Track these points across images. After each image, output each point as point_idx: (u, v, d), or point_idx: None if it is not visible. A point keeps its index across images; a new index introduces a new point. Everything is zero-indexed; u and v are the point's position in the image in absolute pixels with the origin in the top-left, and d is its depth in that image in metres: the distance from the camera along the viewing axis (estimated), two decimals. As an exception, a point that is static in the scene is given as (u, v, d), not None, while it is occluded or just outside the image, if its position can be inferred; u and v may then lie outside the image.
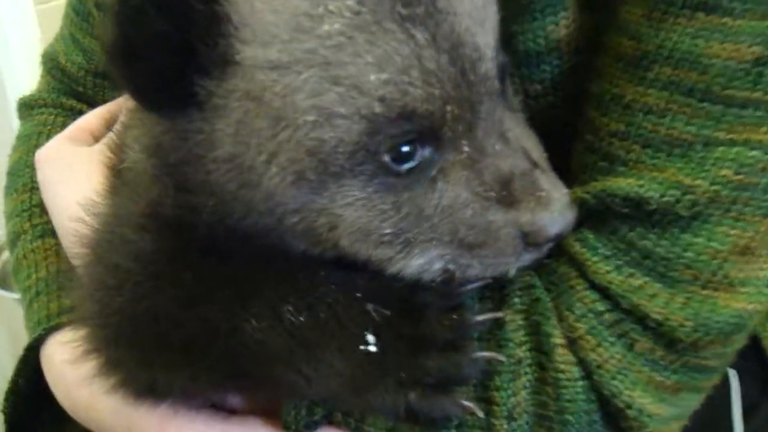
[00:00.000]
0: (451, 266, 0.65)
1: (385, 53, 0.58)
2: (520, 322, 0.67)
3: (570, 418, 0.65)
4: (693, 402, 0.70)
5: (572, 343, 0.65)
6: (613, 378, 0.65)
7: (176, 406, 0.71)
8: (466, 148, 0.63)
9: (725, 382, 0.92)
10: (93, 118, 0.94)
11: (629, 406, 0.65)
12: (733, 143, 0.64)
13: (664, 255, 0.65)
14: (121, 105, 0.88)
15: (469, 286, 0.66)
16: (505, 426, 0.65)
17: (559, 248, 0.68)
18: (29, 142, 1.04)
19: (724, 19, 0.63)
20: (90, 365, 0.71)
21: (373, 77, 0.58)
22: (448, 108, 0.61)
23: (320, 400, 0.66)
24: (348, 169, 0.60)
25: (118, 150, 0.80)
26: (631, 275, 0.65)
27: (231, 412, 0.72)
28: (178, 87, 0.61)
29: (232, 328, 0.63)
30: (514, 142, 0.65)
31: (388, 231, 0.63)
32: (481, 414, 0.64)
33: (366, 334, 0.63)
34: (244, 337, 0.63)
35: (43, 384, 0.85)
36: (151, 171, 0.68)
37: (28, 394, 0.89)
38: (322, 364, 0.63)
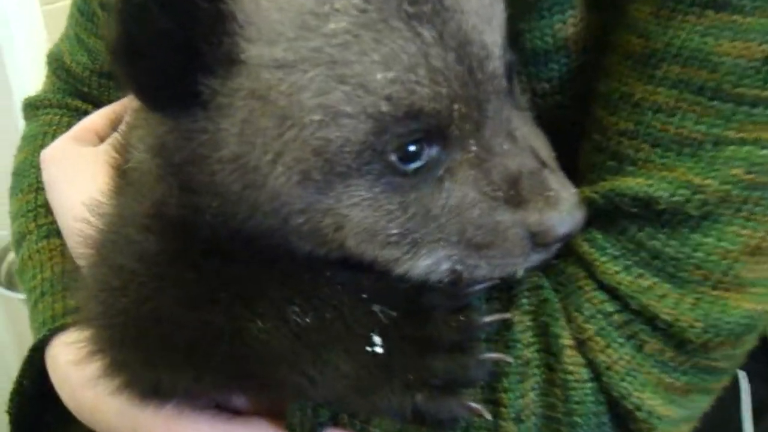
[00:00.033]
0: (458, 267, 0.64)
1: (391, 51, 0.58)
2: (528, 323, 0.66)
3: (579, 420, 0.64)
4: (703, 403, 0.70)
5: (581, 345, 0.65)
6: (623, 379, 0.64)
7: (181, 407, 0.70)
8: (473, 148, 0.63)
9: (735, 383, 0.92)
10: (98, 118, 0.94)
11: (639, 408, 0.64)
12: (743, 142, 0.64)
13: (674, 255, 0.64)
14: (126, 105, 0.88)
15: (477, 287, 0.66)
16: (513, 428, 0.64)
17: (567, 248, 0.68)
18: (34, 143, 1.04)
19: (734, 17, 0.63)
20: (95, 366, 0.70)
21: (379, 76, 0.58)
22: (456, 107, 0.60)
23: (326, 401, 0.66)
24: (354, 168, 0.60)
25: (123, 150, 0.80)
26: (641, 275, 0.65)
27: (236, 413, 0.72)
28: (182, 86, 0.61)
29: (237, 329, 0.63)
30: (522, 141, 0.64)
31: (394, 231, 0.62)
32: (488, 416, 0.63)
33: (372, 336, 0.63)
34: (248, 338, 0.63)
35: (48, 385, 0.85)
36: (156, 171, 0.68)
37: (33, 394, 0.89)
38: (327, 366, 0.62)
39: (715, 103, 0.64)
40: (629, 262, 0.65)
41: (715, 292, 0.64)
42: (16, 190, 1.02)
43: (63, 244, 0.91)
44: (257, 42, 0.59)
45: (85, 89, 1.09)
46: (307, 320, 0.63)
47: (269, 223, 0.63)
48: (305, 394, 0.65)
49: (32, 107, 1.11)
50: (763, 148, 0.63)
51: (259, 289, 0.64)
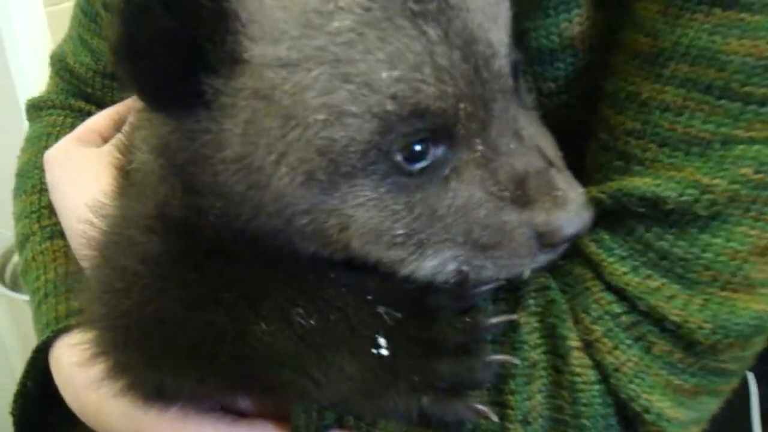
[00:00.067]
0: (464, 268, 0.64)
1: (396, 50, 0.57)
2: (535, 325, 0.66)
3: (586, 422, 0.64)
4: (712, 406, 0.69)
5: (588, 346, 0.64)
6: (631, 381, 0.63)
7: (185, 409, 0.70)
8: (479, 147, 0.62)
9: (744, 385, 0.91)
10: (101, 119, 0.94)
11: (647, 410, 0.64)
12: (752, 141, 0.63)
13: (682, 256, 0.64)
14: (130, 106, 0.88)
15: (483, 288, 0.65)
16: (520, 430, 0.64)
17: (574, 249, 0.67)
18: (38, 144, 1.04)
19: (742, 15, 0.62)
20: (98, 368, 0.70)
21: (384, 75, 0.57)
22: (462, 105, 0.60)
23: (331, 404, 0.65)
24: (359, 168, 0.60)
25: (127, 151, 0.80)
26: (649, 276, 0.64)
27: (240, 415, 0.72)
28: (185, 86, 0.61)
29: (241, 330, 0.62)
30: (529, 141, 0.64)
31: (400, 232, 0.62)
32: (495, 418, 0.63)
33: (377, 338, 0.62)
34: (253, 340, 0.62)
35: (51, 386, 0.85)
36: (159, 172, 0.68)
37: (37, 396, 0.89)
38: (332, 368, 0.62)
39: (723, 102, 0.63)
40: (637, 263, 0.65)
41: (724, 293, 0.63)
42: (19, 191, 1.02)
43: (67, 246, 0.91)
44: (261, 41, 0.59)
45: (89, 90, 1.09)
46: (312, 322, 0.62)
47: (273, 224, 0.63)
48: (310, 396, 0.64)
49: (36, 108, 1.11)
50: None
51: (263, 290, 0.64)
